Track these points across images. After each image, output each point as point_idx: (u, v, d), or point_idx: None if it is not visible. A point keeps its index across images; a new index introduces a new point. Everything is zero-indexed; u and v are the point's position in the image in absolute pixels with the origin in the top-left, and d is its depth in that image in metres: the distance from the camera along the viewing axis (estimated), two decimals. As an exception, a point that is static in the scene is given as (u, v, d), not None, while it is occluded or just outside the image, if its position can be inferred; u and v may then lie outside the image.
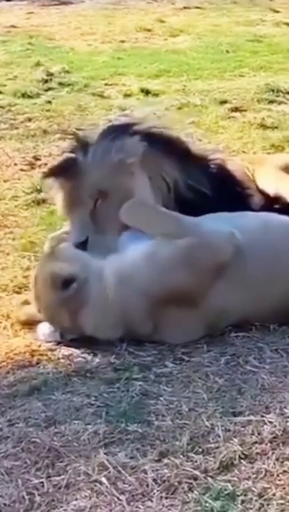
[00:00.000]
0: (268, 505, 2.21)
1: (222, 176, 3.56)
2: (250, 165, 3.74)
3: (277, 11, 11.08)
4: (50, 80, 7.21)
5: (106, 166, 3.30)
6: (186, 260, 2.95)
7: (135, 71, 7.64)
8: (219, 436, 2.48)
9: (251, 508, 2.20)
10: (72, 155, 3.37)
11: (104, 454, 2.42)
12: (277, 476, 2.32)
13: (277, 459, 2.38)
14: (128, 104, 6.42)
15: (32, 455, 2.44)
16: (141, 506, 2.23)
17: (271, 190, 3.58)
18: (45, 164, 4.85)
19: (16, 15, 11.19)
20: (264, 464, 2.37)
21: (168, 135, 3.55)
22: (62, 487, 2.31)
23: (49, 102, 6.53)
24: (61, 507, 2.24)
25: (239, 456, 2.39)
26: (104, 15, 11.08)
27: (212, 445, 2.45)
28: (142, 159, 3.32)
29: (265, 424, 2.53)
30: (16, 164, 5.07)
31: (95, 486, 2.30)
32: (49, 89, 6.96)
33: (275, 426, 2.51)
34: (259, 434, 2.49)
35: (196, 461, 2.37)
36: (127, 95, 6.74)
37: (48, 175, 3.52)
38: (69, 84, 7.06)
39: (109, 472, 2.34)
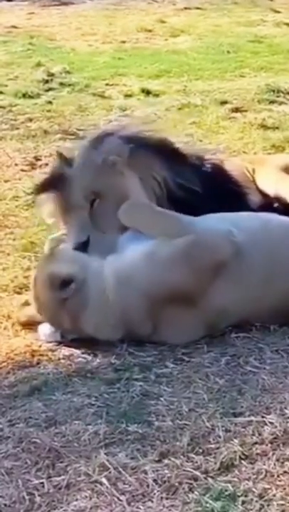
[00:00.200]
0: (268, 505, 2.21)
1: (217, 175, 3.58)
2: (251, 165, 3.76)
3: (278, 12, 11.10)
4: (51, 80, 7.22)
5: (91, 168, 3.37)
6: (185, 259, 2.95)
7: (136, 71, 7.65)
8: (220, 437, 2.48)
9: (252, 509, 2.20)
10: (59, 169, 3.45)
11: (105, 454, 2.41)
12: (278, 476, 2.32)
13: (277, 460, 2.38)
14: (129, 105, 6.42)
15: (32, 455, 2.44)
16: (141, 507, 2.23)
17: (271, 191, 3.60)
18: (46, 164, 4.85)
19: (16, 15, 11.21)
20: (264, 464, 2.36)
21: (154, 137, 3.60)
22: (63, 487, 2.31)
23: (50, 102, 6.54)
24: (61, 507, 2.24)
25: (239, 457, 2.39)
26: (105, 15, 11.09)
27: (212, 446, 2.44)
28: (131, 160, 3.38)
29: (266, 424, 2.53)
30: (16, 164, 5.07)
31: (96, 486, 2.30)
32: (50, 89, 6.97)
33: (276, 426, 2.51)
34: (259, 434, 2.49)
35: (196, 462, 2.37)
36: (127, 95, 6.75)
37: (38, 191, 3.56)
38: (70, 85, 7.06)
39: (109, 472, 2.34)
